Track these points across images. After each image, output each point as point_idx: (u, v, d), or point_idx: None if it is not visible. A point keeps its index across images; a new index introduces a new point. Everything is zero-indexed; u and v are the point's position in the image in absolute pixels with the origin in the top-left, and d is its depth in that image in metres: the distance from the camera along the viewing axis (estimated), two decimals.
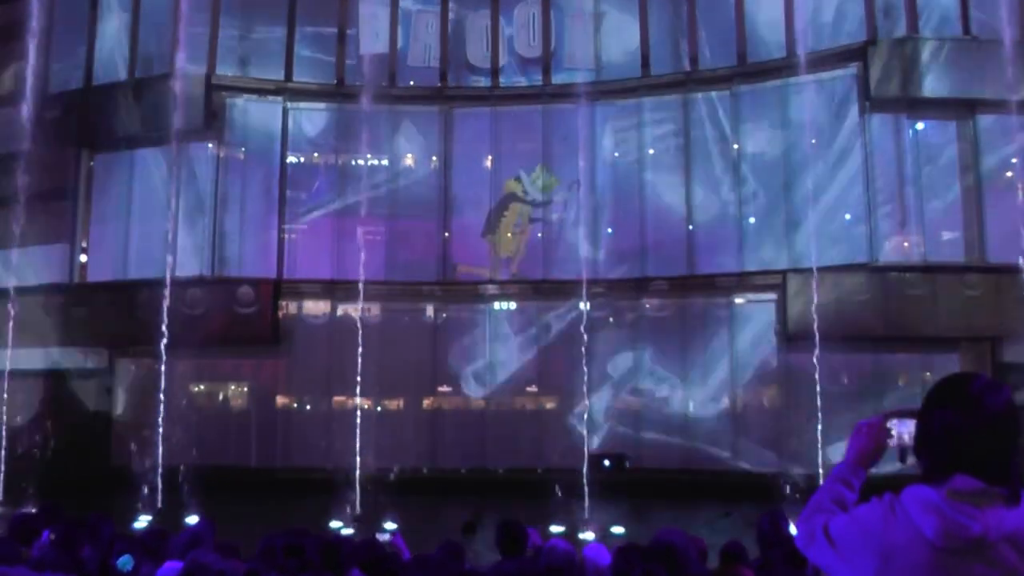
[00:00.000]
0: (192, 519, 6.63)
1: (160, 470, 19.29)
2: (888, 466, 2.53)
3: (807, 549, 2.54)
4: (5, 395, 19.28)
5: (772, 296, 18.55)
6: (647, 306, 19.79)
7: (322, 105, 20.78)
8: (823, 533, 2.47)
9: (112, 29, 21.26)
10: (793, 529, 2.71)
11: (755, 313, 19.23)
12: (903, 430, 2.56)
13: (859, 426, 2.71)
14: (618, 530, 12.98)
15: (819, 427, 17.72)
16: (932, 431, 2.39)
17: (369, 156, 21.45)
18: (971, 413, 2.33)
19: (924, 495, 2.30)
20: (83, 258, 20.68)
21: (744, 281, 18.99)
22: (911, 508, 2.30)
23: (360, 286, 20.35)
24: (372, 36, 20.78)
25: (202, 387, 20.91)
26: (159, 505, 16.27)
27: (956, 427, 2.33)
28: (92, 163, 21.04)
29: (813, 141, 19.13)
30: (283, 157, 20.43)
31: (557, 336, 19.90)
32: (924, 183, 17.54)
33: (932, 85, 17.28)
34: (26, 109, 21.24)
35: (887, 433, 2.63)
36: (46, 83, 21.54)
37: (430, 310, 20.51)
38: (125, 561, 5.67)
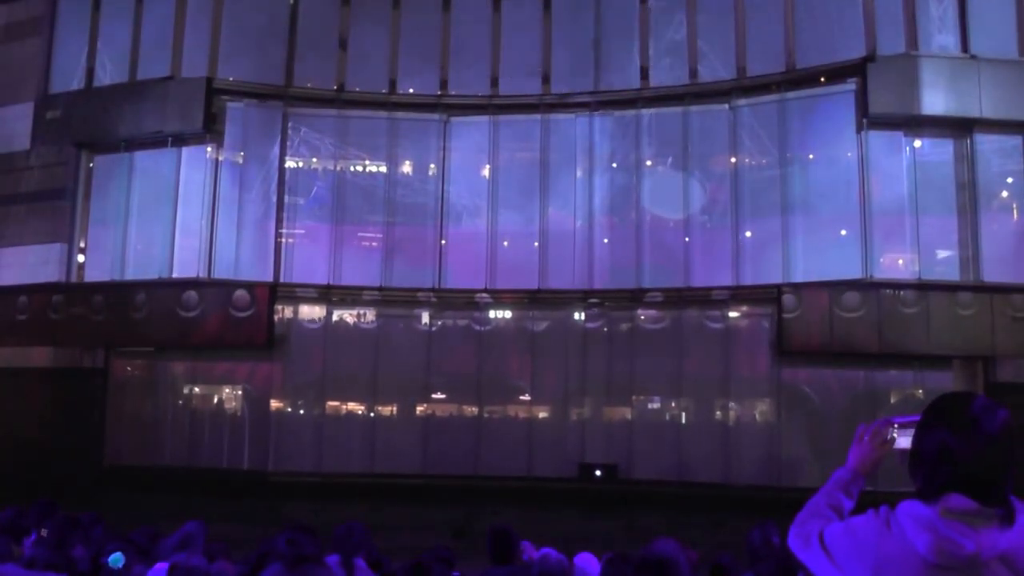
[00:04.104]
0: (184, 520, 6.62)
1: (153, 471, 19.31)
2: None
3: (801, 552, 2.56)
4: None
5: (767, 310, 18.57)
6: (642, 317, 19.80)
7: (321, 110, 20.79)
8: (818, 539, 2.49)
9: (113, 30, 21.30)
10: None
11: (749, 327, 19.26)
12: (903, 442, 2.56)
13: (860, 432, 2.72)
14: None
15: (811, 442, 17.77)
16: (927, 450, 2.39)
17: (367, 162, 21.51)
18: (967, 434, 2.32)
19: (918, 512, 2.32)
20: (81, 258, 20.68)
21: (739, 294, 19.00)
22: (905, 524, 2.32)
23: (355, 292, 20.43)
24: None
25: (196, 389, 20.89)
26: (151, 506, 16.24)
27: (952, 448, 2.33)
28: (92, 164, 21.06)
29: (810, 156, 19.21)
30: (282, 162, 20.45)
31: (551, 346, 19.89)
32: (920, 201, 17.57)
33: (930, 103, 17.33)
34: (26, 109, 21.32)
35: (888, 441, 2.64)
36: (47, 83, 21.59)
37: (425, 317, 20.50)
38: (116, 558, 5.67)
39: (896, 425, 2.63)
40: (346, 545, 6.06)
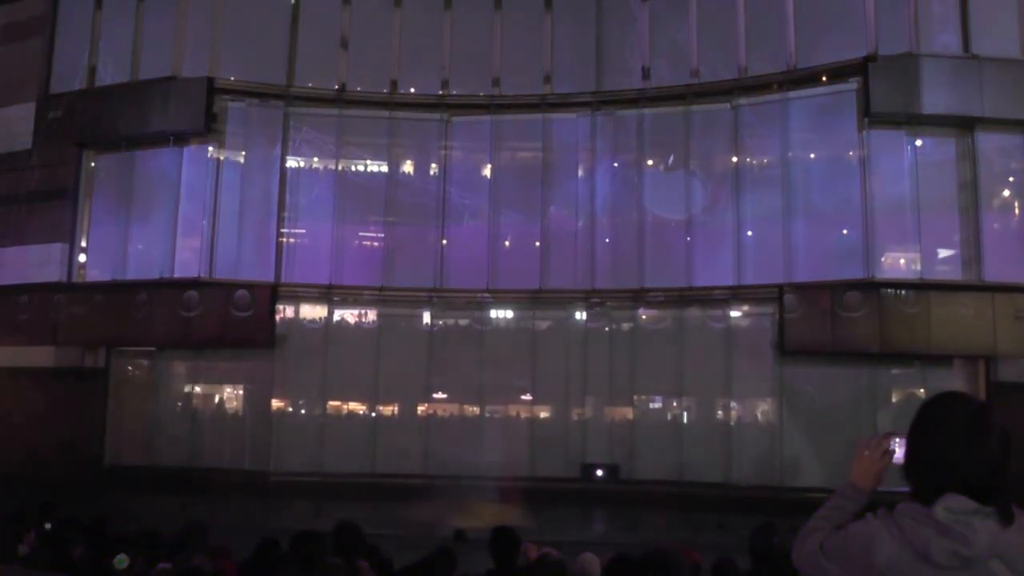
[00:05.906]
0: (185, 520, 6.63)
1: (153, 471, 19.32)
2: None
3: (803, 567, 2.55)
4: None
5: (769, 310, 18.56)
6: (643, 317, 19.80)
7: (323, 110, 20.78)
8: (819, 549, 2.49)
9: (115, 30, 21.30)
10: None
11: (751, 326, 19.23)
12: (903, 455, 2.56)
13: (860, 445, 2.71)
14: None
15: (813, 442, 17.75)
16: (921, 452, 2.39)
17: (369, 162, 21.50)
18: (962, 435, 2.33)
19: (917, 512, 2.31)
20: (82, 258, 20.67)
21: (741, 294, 18.99)
22: (904, 525, 2.31)
23: (357, 292, 20.43)
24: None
25: (197, 389, 20.89)
26: (152, 506, 16.24)
27: (947, 449, 2.33)
28: (93, 164, 21.05)
29: (812, 155, 19.19)
30: (283, 161, 20.44)
31: (552, 346, 19.89)
32: (922, 200, 17.55)
33: (932, 102, 17.31)
34: (28, 109, 21.32)
35: (888, 454, 2.63)
36: (48, 83, 21.59)
37: (426, 317, 20.50)
38: (121, 559, 5.70)
39: (897, 440, 2.63)
40: (341, 546, 6.05)
